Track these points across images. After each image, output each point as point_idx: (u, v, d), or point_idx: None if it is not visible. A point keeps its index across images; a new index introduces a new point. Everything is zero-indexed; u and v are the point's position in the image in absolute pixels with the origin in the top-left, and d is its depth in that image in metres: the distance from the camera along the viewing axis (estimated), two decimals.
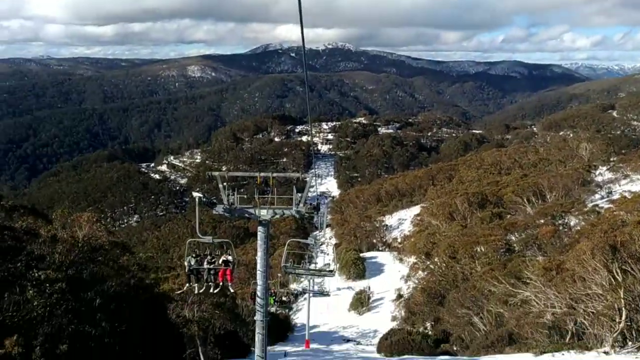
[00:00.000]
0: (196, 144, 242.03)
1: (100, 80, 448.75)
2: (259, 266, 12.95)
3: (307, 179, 12.55)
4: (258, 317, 13.11)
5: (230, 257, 17.15)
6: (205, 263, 16.98)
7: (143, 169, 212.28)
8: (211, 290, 17.02)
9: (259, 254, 12.71)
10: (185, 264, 17.05)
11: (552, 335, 19.77)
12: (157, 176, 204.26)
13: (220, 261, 16.81)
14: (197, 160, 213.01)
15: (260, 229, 12.65)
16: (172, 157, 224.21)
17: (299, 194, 12.24)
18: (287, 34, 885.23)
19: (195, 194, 13.38)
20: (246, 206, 12.50)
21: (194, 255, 17.13)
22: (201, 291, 17.11)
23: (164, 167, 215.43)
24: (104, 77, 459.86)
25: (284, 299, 53.01)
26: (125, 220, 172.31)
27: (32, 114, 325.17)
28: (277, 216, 12.45)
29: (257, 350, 13.07)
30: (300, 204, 12.26)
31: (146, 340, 15.80)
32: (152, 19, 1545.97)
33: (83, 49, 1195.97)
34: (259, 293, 13.20)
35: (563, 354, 16.79)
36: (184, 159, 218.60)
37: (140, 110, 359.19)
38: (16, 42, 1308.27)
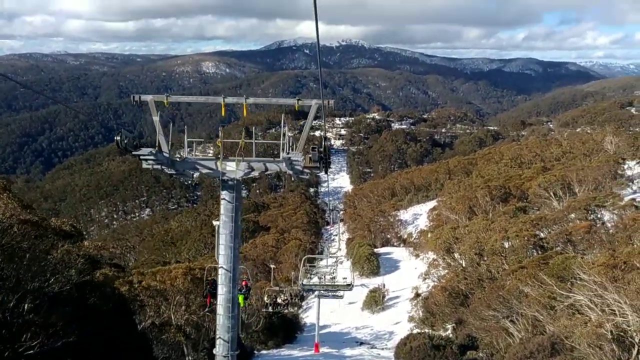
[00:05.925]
0: (209, 139, 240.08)
1: (115, 75, 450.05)
2: (220, 261, 7.65)
3: (312, 105, 7.49)
4: (218, 349, 7.67)
5: None
6: None
7: None
8: None
9: (220, 239, 7.41)
10: None
11: (614, 349, 16.14)
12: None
13: None
14: (210, 155, 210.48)
15: (224, 194, 7.32)
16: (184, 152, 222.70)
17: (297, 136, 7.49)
18: (308, 30, 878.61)
19: None
20: (202, 158, 7.90)
21: None
22: None
23: None
24: (120, 73, 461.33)
25: (279, 301, 47.43)
26: (137, 214, 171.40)
27: (48, 108, 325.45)
28: (255, 173, 7.26)
29: None
30: (295, 148, 7.19)
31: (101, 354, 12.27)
32: (176, 15, 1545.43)
33: (100, 44, 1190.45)
34: (221, 309, 7.73)
35: None
36: (197, 154, 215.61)
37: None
38: (37, 37, 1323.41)
